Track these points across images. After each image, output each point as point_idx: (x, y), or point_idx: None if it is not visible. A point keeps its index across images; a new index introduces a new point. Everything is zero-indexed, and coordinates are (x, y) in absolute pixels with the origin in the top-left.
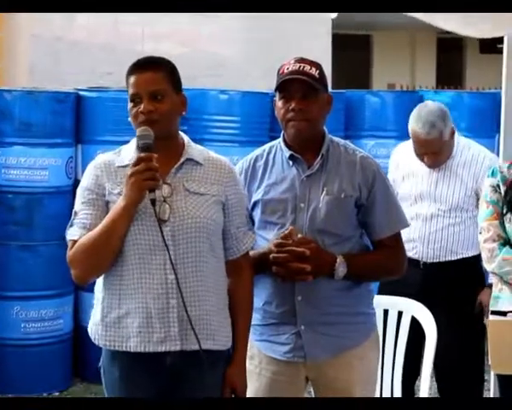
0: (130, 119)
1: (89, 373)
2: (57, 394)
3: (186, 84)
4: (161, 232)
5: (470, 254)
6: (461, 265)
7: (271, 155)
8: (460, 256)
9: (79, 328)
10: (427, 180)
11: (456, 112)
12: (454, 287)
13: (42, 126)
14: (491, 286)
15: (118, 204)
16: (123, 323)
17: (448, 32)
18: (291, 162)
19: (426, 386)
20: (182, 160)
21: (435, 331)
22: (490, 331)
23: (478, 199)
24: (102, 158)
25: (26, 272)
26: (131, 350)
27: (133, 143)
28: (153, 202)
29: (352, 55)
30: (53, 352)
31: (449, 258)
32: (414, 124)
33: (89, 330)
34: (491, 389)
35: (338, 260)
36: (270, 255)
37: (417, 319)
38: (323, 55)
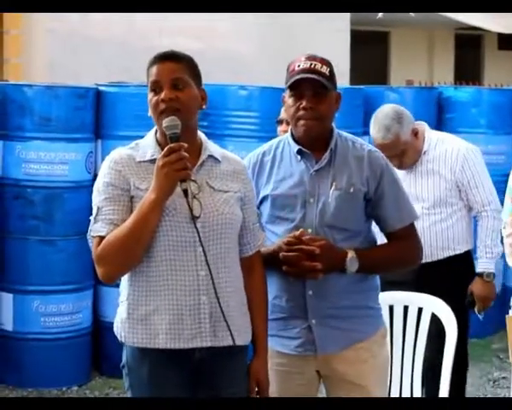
0: (149, 111)
1: (108, 367)
2: (76, 388)
3: (202, 79)
4: (196, 228)
5: (463, 249)
6: (452, 262)
7: (279, 150)
8: (452, 253)
9: (99, 322)
10: (405, 181)
11: (475, 108)
12: (446, 284)
13: (62, 121)
14: (480, 275)
15: (147, 198)
16: (151, 320)
17: (466, 29)
18: (299, 157)
19: (446, 386)
20: (203, 157)
21: (456, 329)
22: (509, 327)
23: (460, 191)
24: (120, 153)
25: (45, 267)
26: (160, 347)
27: (150, 136)
28: (185, 192)
29: (370, 51)
30: (72, 346)
31: (441, 256)
32: (371, 128)
33: (114, 328)
34: None
35: (349, 255)
36: (280, 254)
37: (438, 316)
38: (342, 52)
